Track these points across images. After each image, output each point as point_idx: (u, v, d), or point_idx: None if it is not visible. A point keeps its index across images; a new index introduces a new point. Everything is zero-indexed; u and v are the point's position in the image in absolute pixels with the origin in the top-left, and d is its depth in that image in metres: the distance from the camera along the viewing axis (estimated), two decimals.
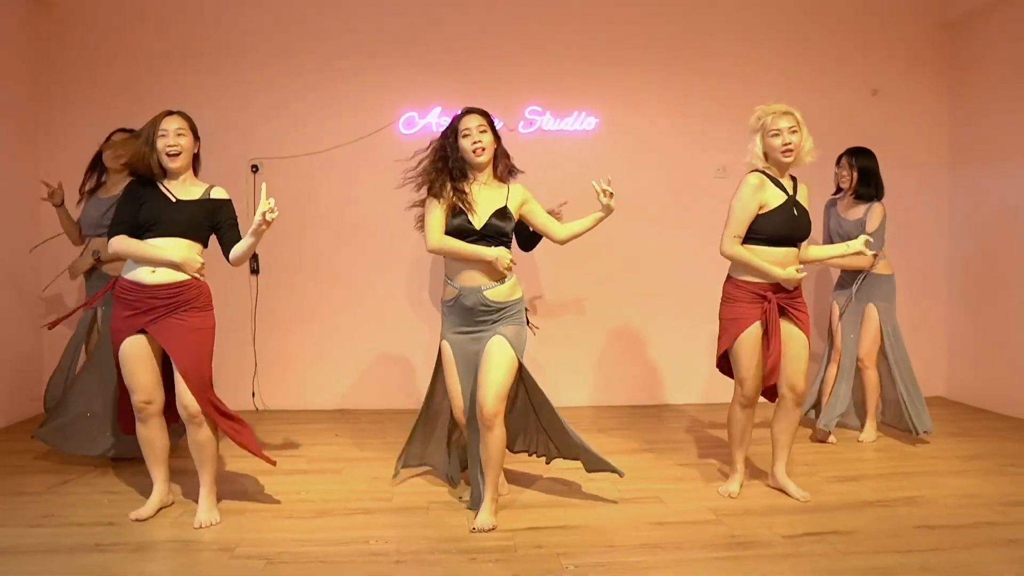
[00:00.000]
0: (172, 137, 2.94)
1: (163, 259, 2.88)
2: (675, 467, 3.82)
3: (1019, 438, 4.38)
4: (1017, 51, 4.91)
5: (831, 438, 4.27)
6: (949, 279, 5.57)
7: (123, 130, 3.97)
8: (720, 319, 3.36)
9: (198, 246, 3.01)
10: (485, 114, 3.09)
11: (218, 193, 3.07)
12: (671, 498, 3.34)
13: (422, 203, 3.13)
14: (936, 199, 5.54)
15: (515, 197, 3.12)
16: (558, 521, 3.06)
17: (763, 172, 3.23)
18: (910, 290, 5.40)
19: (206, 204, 3.02)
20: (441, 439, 3.47)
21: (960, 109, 5.45)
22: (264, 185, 2.95)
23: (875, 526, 2.99)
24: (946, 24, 5.46)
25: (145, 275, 2.89)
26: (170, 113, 3.00)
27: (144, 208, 2.91)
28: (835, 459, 3.96)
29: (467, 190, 3.04)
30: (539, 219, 3.21)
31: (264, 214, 2.83)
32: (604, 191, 3.21)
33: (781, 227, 3.18)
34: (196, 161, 3.10)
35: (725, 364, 3.43)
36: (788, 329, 3.25)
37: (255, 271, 5.11)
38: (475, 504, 3.08)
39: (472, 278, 3.01)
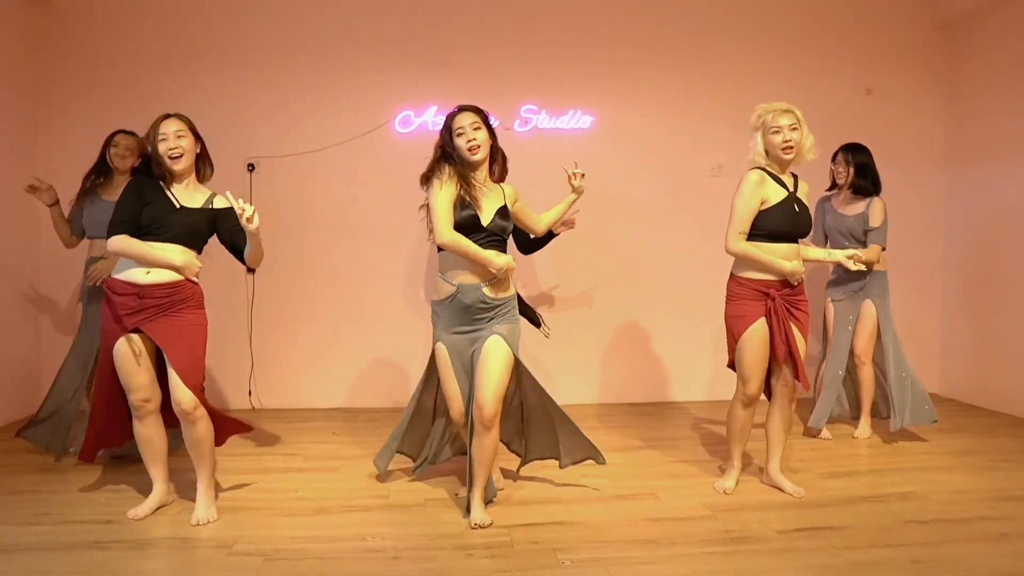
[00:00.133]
0: (172, 140, 2.95)
1: (164, 261, 2.89)
2: (672, 464, 3.84)
3: (1011, 434, 4.42)
4: (1012, 52, 4.94)
5: (824, 433, 4.30)
6: (943, 277, 5.61)
7: (124, 131, 3.98)
8: (725, 318, 3.37)
9: (194, 253, 3.02)
10: (478, 111, 3.05)
11: (220, 202, 3.07)
12: (667, 494, 3.36)
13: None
14: (930, 198, 5.57)
15: (510, 197, 3.14)
16: (554, 517, 3.08)
17: (764, 169, 3.25)
18: (904, 288, 5.43)
19: (208, 213, 3.03)
20: (435, 435, 3.51)
21: (955, 109, 5.48)
22: (228, 194, 2.94)
23: (868, 521, 3.02)
24: (941, 24, 5.49)
25: (140, 275, 2.90)
26: (168, 116, 3.00)
27: (147, 209, 2.91)
28: (829, 455, 3.98)
29: (474, 183, 3.01)
30: (528, 217, 3.24)
31: (245, 219, 2.85)
32: (575, 174, 3.31)
33: (782, 223, 3.20)
34: (203, 162, 3.09)
35: (734, 362, 3.42)
36: (791, 326, 3.26)
37: (251, 270, 5.11)
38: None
39: (471, 275, 2.98)
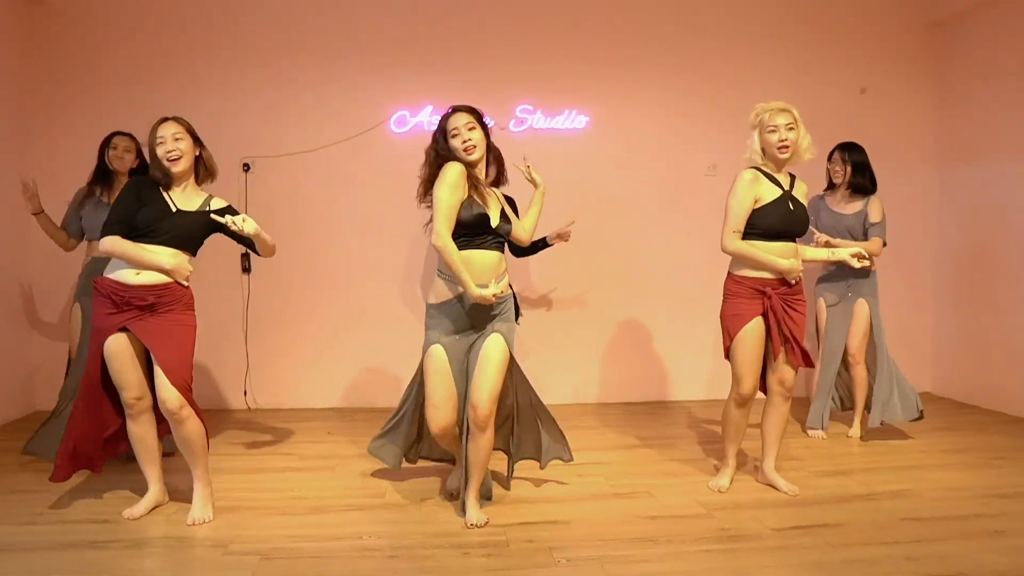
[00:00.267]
0: (170, 143, 2.95)
1: (154, 264, 2.89)
2: (667, 462, 3.86)
3: (1003, 432, 4.45)
4: (1004, 50, 4.97)
5: (819, 433, 4.33)
6: (935, 276, 5.63)
7: (120, 133, 3.98)
8: (721, 316, 3.37)
9: (186, 256, 3.01)
10: (473, 111, 3.00)
11: (218, 203, 3.07)
12: (662, 492, 3.37)
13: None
14: (923, 197, 5.60)
15: (501, 200, 3.10)
16: (550, 516, 3.08)
17: (759, 168, 3.26)
18: (897, 287, 5.46)
19: (206, 216, 3.02)
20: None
21: (947, 107, 5.51)
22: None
23: (862, 519, 3.03)
24: (934, 23, 5.52)
25: (130, 276, 2.89)
26: (165, 120, 3.00)
27: (143, 211, 2.90)
28: (823, 454, 4.00)
29: (479, 183, 2.96)
30: (513, 223, 3.15)
31: (240, 226, 2.90)
32: (527, 168, 3.31)
33: (777, 221, 3.20)
34: (202, 165, 3.08)
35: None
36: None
37: (246, 269, 5.11)
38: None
39: (481, 274, 2.90)
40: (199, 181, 3.10)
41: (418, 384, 3.22)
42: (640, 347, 5.40)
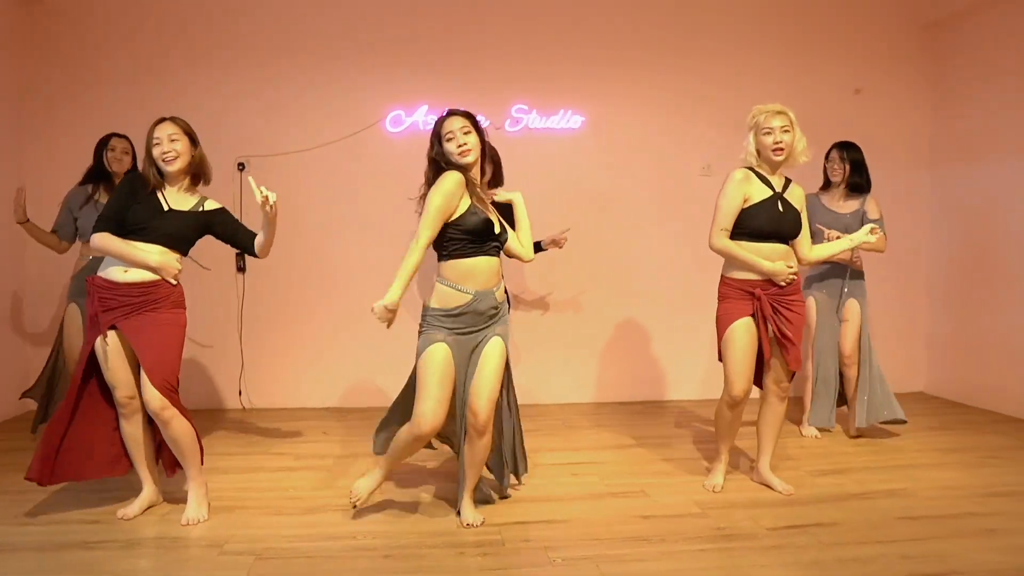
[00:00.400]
0: (166, 144, 2.94)
1: (141, 261, 2.88)
2: (662, 462, 3.86)
3: (997, 431, 4.46)
4: (998, 51, 4.99)
5: (813, 432, 4.34)
6: (929, 275, 5.65)
7: (117, 135, 3.97)
8: (716, 318, 3.37)
9: (176, 255, 3.00)
10: (468, 115, 2.95)
11: (211, 205, 3.07)
12: (657, 492, 3.37)
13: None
14: (917, 197, 5.61)
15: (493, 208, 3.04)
16: (544, 515, 3.08)
17: (752, 169, 3.26)
18: (891, 287, 5.49)
19: (197, 216, 3.01)
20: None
21: (942, 108, 5.53)
22: (251, 179, 2.97)
23: (858, 518, 3.04)
24: (928, 24, 5.54)
25: (118, 273, 2.89)
26: (163, 120, 2.99)
27: (135, 209, 2.90)
28: (819, 453, 4.01)
29: (480, 190, 2.93)
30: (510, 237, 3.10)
31: (265, 205, 2.87)
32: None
33: (765, 222, 3.20)
34: (198, 167, 3.06)
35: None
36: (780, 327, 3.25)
37: (241, 269, 5.10)
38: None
39: (487, 280, 2.89)
40: (193, 183, 3.08)
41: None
42: (635, 347, 5.40)
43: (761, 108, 3.24)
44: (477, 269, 2.88)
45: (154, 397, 2.85)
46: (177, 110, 3.15)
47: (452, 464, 3.60)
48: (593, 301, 5.34)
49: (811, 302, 4.34)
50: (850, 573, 2.55)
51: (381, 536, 2.86)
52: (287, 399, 5.17)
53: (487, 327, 2.94)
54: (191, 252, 3.11)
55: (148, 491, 3.10)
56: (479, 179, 3.02)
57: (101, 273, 2.94)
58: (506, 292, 3.23)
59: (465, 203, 2.87)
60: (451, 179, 2.84)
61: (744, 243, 3.23)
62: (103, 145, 3.97)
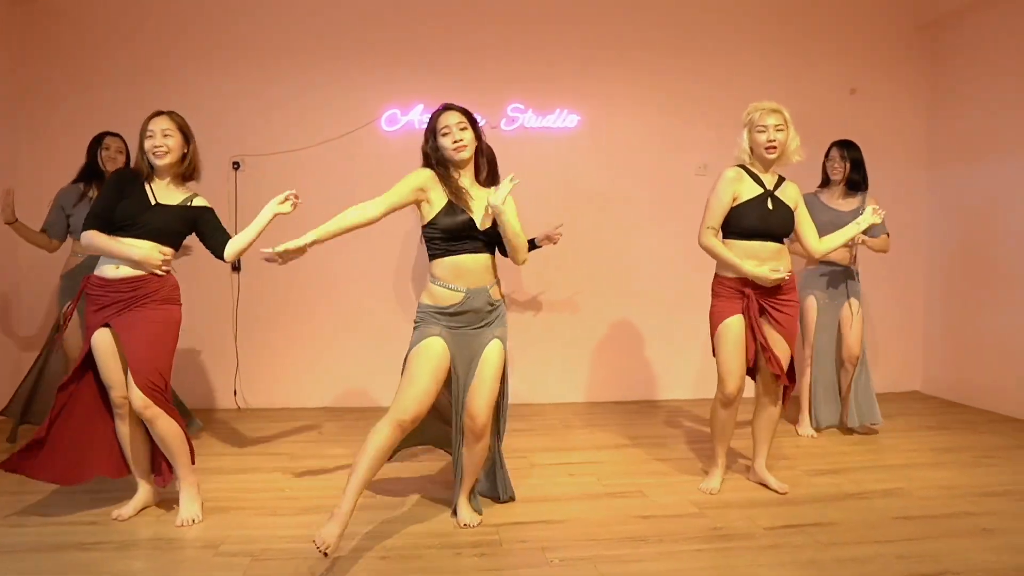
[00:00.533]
0: (159, 137, 2.93)
1: (124, 255, 2.86)
2: (659, 461, 3.85)
3: (993, 431, 4.47)
4: (994, 51, 5.00)
5: (810, 432, 4.35)
6: (925, 275, 5.66)
7: (111, 134, 3.95)
8: (709, 316, 3.37)
9: (168, 250, 2.98)
10: (465, 111, 2.91)
11: (200, 202, 3.06)
12: (654, 492, 3.37)
13: None
14: (914, 197, 5.62)
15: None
16: (542, 515, 3.08)
17: (744, 167, 3.27)
18: (887, 286, 5.50)
19: (185, 211, 3.00)
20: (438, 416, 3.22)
21: (938, 108, 5.54)
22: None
23: (854, 517, 3.04)
24: (925, 25, 5.55)
25: (110, 270, 2.89)
26: (160, 114, 2.98)
27: (123, 205, 2.89)
28: (815, 453, 4.01)
29: (464, 187, 2.89)
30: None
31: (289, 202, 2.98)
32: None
33: (756, 220, 3.19)
34: (188, 164, 3.04)
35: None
36: (766, 329, 3.24)
37: (236, 268, 5.08)
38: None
39: (477, 278, 2.85)
40: (184, 179, 3.07)
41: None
42: (631, 346, 5.40)
43: (756, 106, 3.24)
44: (464, 266, 2.84)
45: (136, 396, 2.84)
46: (171, 107, 3.12)
47: (448, 465, 3.59)
48: (589, 301, 5.34)
49: (811, 302, 4.34)
50: (847, 573, 2.55)
51: (377, 537, 2.85)
52: (283, 399, 5.15)
53: (486, 326, 2.89)
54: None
55: (143, 492, 3.09)
56: (475, 176, 2.96)
57: (96, 272, 2.93)
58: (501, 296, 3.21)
59: (440, 202, 2.84)
60: (415, 175, 2.87)
61: (735, 242, 3.23)
62: (97, 144, 3.96)
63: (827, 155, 4.36)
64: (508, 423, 3.20)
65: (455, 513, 3.03)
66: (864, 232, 4.20)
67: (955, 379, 5.38)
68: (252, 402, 5.14)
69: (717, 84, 5.32)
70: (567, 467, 3.76)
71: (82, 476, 3.01)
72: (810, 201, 4.25)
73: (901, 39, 5.58)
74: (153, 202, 2.94)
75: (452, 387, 2.93)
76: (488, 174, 3.01)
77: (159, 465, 3.11)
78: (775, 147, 3.19)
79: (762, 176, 3.26)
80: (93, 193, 3.87)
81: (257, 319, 5.10)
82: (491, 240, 2.93)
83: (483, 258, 2.89)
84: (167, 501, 3.16)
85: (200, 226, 3.06)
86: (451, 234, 2.83)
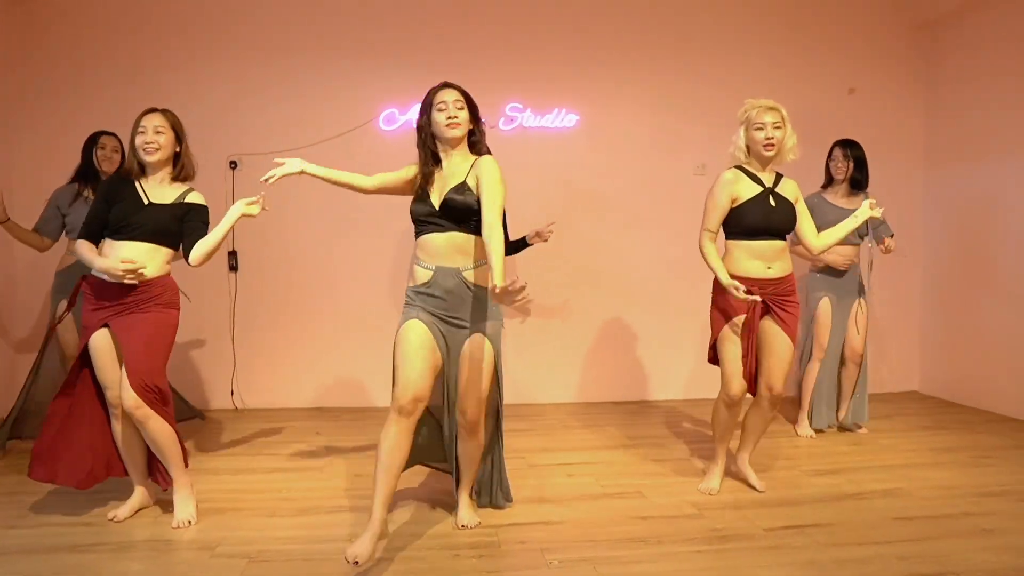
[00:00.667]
0: (150, 134, 2.91)
1: (95, 266, 2.86)
2: (657, 462, 3.84)
3: (991, 431, 4.47)
4: (993, 51, 4.99)
5: (809, 431, 4.34)
6: (923, 275, 5.66)
7: (106, 132, 3.93)
8: (709, 319, 3.35)
9: (165, 251, 2.96)
10: (463, 92, 2.85)
11: (194, 198, 3.01)
12: (653, 493, 3.36)
13: None
14: (911, 197, 5.62)
15: (475, 169, 2.78)
16: (541, 517, 3.06)
17: (740, 167, 3.25)
18: (885, 286, 5.49)
19: (178, 208, 2.97)
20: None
21: (936, 108, 5.54)
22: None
23: (854, 518, 3.04)
24: (922, 24, 5.54)
25: None
26: (153, 110, 2.97)
27: (115, 209, 2.88)
28: (814, 453, 4.01)
29: (434, 172, 2.83)
30: (481, 198, 2.72)
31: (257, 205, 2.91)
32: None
33: (758, 219, 3.17)
34: (180, 162, 3.03)
35: (715, 357, 3.40)
36: (772, 328, 3.23)
37: (234, 268, 5.06)
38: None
39: (446, 256, 2.74)
40: (176, 178, 3.04)
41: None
42: (629, 346, 5.39)
43: (753, 103, 3.22)
44: (433, 244, 2.75)
45: (128, 397, 2.82)
46: (169, 106, 3.11)
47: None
48: (587, 300, 5.32)
49: (825, 304, 4.33)
50: (848, 574, 2.54)
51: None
52: (280, 399, 5.13)
53: (467, 318, 2.76)
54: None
55: (139, 493, 3.07)
56: (465, 154, 2.86)
57: (96, 274, 2.91)
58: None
59: (416, 190, 2.86)
60: (409, 168, 2.95)
61: (738, 241, 3.22)
62: (92, 143, 3.93)
63: (830, 155, 4.36)
64: (505, 423, 3.15)
65: (455, 513, 3.01)
66: (868, 232, 4.25)
67: (953, 379, 5.37)
68: (249, 402, 5.12)
69: (716, 83, 5.31)
70: (565, 467, 3.75)
71: (97, 478, 3.02)
72: (816, 202, 4.27)
73: (900, 38, 5.58)
74: (146, 202, 2.92)
75: (443, 386, 2.92)
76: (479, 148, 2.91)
77: (157, 467, 3.09)
78: (773, 144, 3.18)
79: (760, 175, 3.25)
80: (88, 193, 3.85)
81: (254, 319, 5.08)
82: (457, 218, 2.73)
83: (451, 236, 2.74)
84: (164, 502, 3.14)
85: (186, 221, 2.97)
86: (419, 219, 2.81)
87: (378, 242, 5.12)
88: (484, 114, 2.98)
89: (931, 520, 3.02)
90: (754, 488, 3.35)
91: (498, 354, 2.87)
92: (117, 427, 2.98)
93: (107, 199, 2.91)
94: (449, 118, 2.80)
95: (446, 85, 2.88)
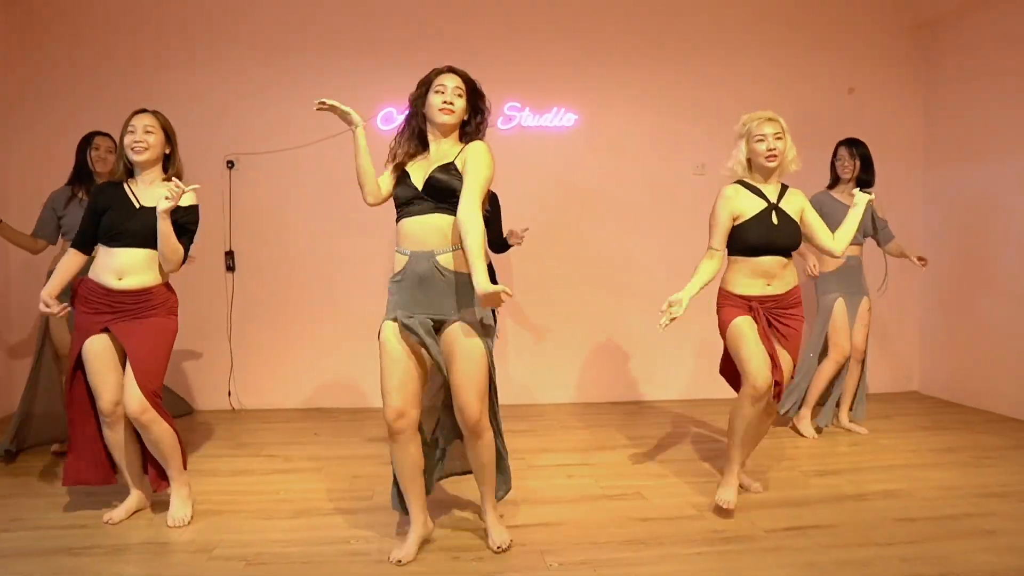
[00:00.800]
0: (140, 134, 2.89)
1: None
2: (656, 463, 3.83)
3: (991, 431, 4.46)
4: (991, 51, 4.98)
5: (810, 432, 4.33)
6: (923, 275, 5.64)
7: (100, 133, 3.90)
8: (718, 327, 3.28)
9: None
10: (468, 80, 2.76)
11: (184, 199, 2.90)
12: (653, 494, 3.34)
13: None
14: (910, 197, 5.61)
15: (464, 153, 2.67)
16: (541, 519, 3.05)
17: (741, 183, 3.18)
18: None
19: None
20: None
21: (935, 108, 5.53)
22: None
23: (855, 519, 3.02)
24: (921, 24, 5.53)
25: (112, 280, 2.85)
26: (143, 111, 2.95)
27: (106, 216, 2.86)
28: (815, 453, 3.99)
29: (418, 154, 2.77)
30: (465, 178, 2.61)
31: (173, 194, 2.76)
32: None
33: (760, 236, 3.10)
34: (170, 161, 3.00)
35: (726, 368, 3.34)
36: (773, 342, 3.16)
37: (230, 268, 5.04)
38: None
39: (421, 240, 2.60)
40: (166, 179, 2.99)
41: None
42: (628, 346, 5.38)
43: (752, 116, 3.15)
44: (409, 229, 2.63)
45: (135, 400, 2.80)
46: (167, 108, 3.10)
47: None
48: (586, 300, 5.31)
49: (840, 305, 4.31)
50: (848, 575, 2.53)
51: (374, 540, 2.82)
52: (277, 400, 5.11)
53: (446, 307, 2.60)
54: (191, 250, 3.03)
55: (135, 497, 3.05)
56: (455, 142, 2.79)
57: (93, 278, 2.88)
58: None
59: (395, 170, 2.81)
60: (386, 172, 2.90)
61: (741, 258, 3.17)
62: (87, 143, 3.89)
63: (835, 154, 4.36)
64: (504, 422, 3.08)
65: (486, 532, 2.81)
66: (871, 232, 4.25)
67: (953, 379, 5.36)
68: (246, 403, 5.09)
69: (716, 83, 5.30)
70: (565, 468, 3.73)
71: (113, 475, 3.06)
72: (824, 200, 4.24)
73: (899, 38, 5.57)
74: (137, 206, 2.89)
75: (429, 385, 2.79)
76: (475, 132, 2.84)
77: (151, 469, 3.06)
78: (775, 155, 3.11)
79: (763, 188, 3.16)
80: (82, 194, 3.81)
81: (251, 319, 5.06)
82: (441, 199, 2.62)
83: (426, 218, 2.62)
84: (159, 505, 3.11)
85: (175, 224, 2.90)
86: (401, 203, 2.71)
87: (376, 242, 5.10)
88: None
89: (932, 521, 3.00)
90: (747, 490, 3.32)
91: (484, 339, 2.64)
92: (112, 433, 2.95)
93: (97, 206, 2.89)
94: (445, 102, 2.72)
95: (451, 70, 2.80)
